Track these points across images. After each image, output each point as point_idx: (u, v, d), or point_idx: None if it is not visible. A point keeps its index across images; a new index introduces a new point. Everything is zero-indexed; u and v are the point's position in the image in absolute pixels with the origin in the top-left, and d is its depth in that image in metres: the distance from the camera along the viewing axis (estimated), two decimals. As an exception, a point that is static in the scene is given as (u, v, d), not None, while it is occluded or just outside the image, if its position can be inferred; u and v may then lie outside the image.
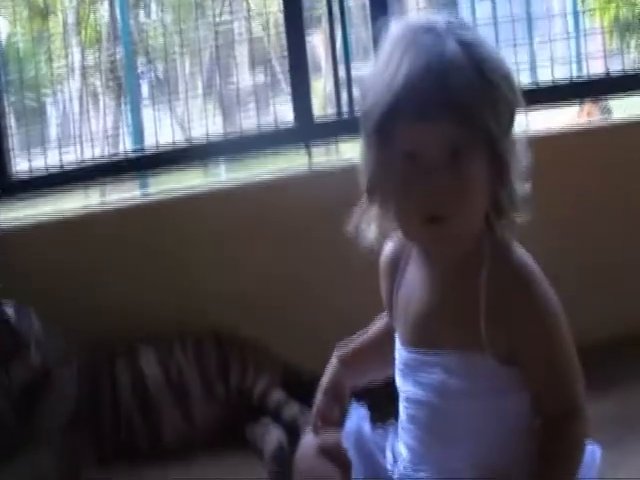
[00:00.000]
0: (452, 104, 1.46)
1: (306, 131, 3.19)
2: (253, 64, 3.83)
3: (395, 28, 1.57)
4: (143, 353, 2.93)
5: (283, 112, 3.41)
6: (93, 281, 3.13)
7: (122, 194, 3.58)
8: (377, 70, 1.55)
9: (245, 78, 3.84)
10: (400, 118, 1.49)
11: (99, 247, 3.14)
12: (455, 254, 1.60)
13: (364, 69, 1.63)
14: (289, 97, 3.24)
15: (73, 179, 3.33)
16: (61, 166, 3.37)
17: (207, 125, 3.48)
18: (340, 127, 3.16)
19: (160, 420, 2.83)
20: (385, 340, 1.79)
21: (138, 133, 3.93)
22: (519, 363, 1.56)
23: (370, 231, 1.65)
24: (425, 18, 1.58)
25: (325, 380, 1.84)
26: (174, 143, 3.43)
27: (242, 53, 3.83)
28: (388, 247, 1.74)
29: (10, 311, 2.76)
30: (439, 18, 1.55)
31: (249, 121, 3.44)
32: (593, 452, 1.65)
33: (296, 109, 3.20)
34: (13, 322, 2.71)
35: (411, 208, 1.53)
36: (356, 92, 3.19)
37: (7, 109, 3.36)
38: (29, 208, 3.43)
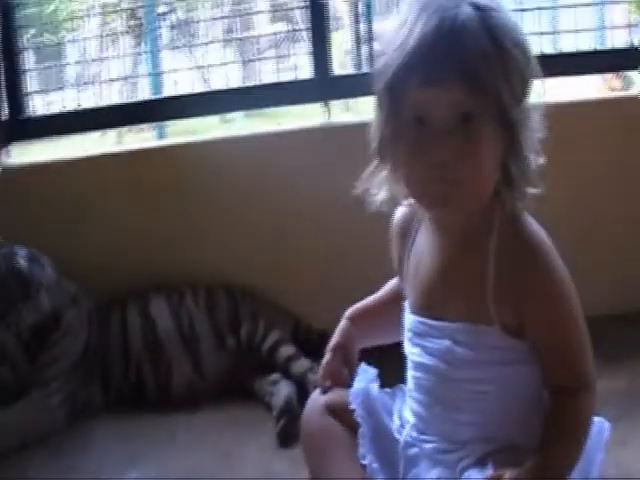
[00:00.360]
0: (463, 69, 1.46)
1: (325, 85, 3.18)
2: (274, 15, 3.82)
3: None
4: (154, 300, 2.95)
5: (302, 63, 3.37)
6: (106, 225, 3.14)
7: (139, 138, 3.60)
8: (393, 29, 1.55)
9: (265, 28, 3.83)
10: (411, 80, 1.49)
11: (113, 190, 3.15)
12: (463, 222, 1.61)
13: (383, 25, 1.63)
14: (309, 49, 3.21)
15: (90, 121, 3.32)
16: (78, 107, 3.35)
17: (226, 74, 3.47)
18: (359, 83, 3.12)
19: (170, 368, 2.85)
20: (395, 302, 1.80)
21: (156, 77, 3.93)
22: (528, 336, 1.57)
23: (380, 194, 1.66)
24: None
25: (334, 339, 1.86)
26: (193, 90, 3.42)
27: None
28: (399, 212, 1.76)
29: (22, 257, 2.78)
30: None
31: (268, 72, 3.42)
32: (601, 427, 1.67)
33: (316, 63, 3.17)
34: (24, 269, 2.74)
35: (419, 172, 1.53)
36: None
37: (24, 46, 3.31)
38: (45, 148, 3.45)
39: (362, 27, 3.34)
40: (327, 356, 1.84)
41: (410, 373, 1.72)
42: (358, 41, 3.31)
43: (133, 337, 2.88)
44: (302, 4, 3.22)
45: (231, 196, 3.09)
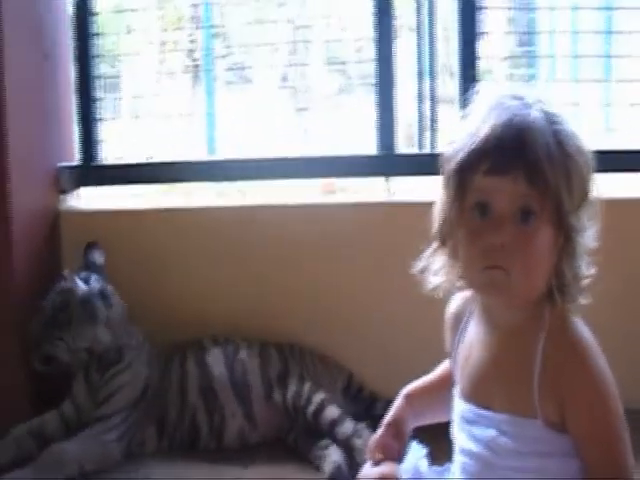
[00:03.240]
0: (529, 161, 1.53)
1: (387, 162, 3.30)
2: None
3: (486, 92, 1.65)
4: (211, 351, 3.06)
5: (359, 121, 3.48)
6: (171, 274, 3.29)
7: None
8: (464, 123, 1.62)
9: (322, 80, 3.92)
10: (478, 168, 1.56)
11: (184, 243, 3.28)
12: (514, 316, 1.66)
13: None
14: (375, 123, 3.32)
15: (159, 174, 3.47)
16: (148, 160, 3.55)
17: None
18: (420, 163, 3.21)
19: (223, 416, 2.95)
20: (447, 384, 1.85)
21: (212, 118, 4.03)
22: (570, 431, 1.61)
23: (436, 277, 1.71)
24: (517, 89, 1.66)
25: (389, 415, 1.92)
26: (255, 155, 3.54)
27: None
28: (454, 302, 1.82)
29: (93, 289, 2.92)
30: (530, 92, 1.63)
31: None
32: None
33: (380, 139, 3.29)
34: (79, 293, 2.88)
35: (475, 256, 1.58)
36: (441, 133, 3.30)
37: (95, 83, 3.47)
38: (114, 195, 3.57)
39: (427, 106, 3.43)
40: (380, 430, 1.90)
41: (456, 457, 1.77)
42: (421, 122, 3.40)
43: (190, 385, 2.99)
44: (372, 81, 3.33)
45: (295, 259, 3.22)
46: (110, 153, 3.50)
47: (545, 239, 1.57)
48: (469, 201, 1.59)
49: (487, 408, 1.69)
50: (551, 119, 1.58)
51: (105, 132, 3.48)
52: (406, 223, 2.93)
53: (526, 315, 1.65)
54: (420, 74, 3.52)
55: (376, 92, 3.30)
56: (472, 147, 1.57)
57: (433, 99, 3.42)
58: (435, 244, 1.70)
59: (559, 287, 1.62)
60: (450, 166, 1.61)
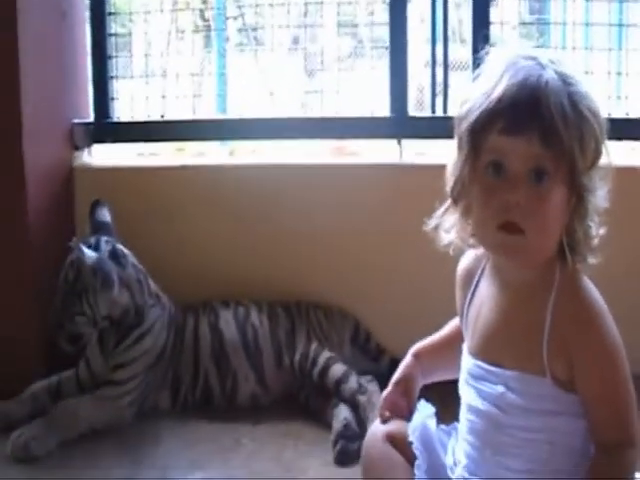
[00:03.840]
0: (543, 122, 1.55)
1: (400, 125, 3.30)
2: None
3: (499, 53, 1.66)
4: (223, 315, 3.08)
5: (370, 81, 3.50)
6: (178, 234, 3.30)
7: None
8: (478, 82, 1.64)
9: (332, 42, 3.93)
10: (492, 127, 1.58)
11: (195, 199, 3.30)
12: (525, 274, 1.68)
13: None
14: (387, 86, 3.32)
15: (167, 131, 3.48)
16: (161, 118, 3.53)
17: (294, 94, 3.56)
18: (432, 126, 3.24)
19: (235, 380, 2.99)
20: (457, 341, 1.87)
21: (223, 78, 4.04)
22: (578, 390, 1.64)
23: (449, 235, 1.74)
24: (530, 49, 1.66)
25: (397, 373, 1.94)
26: (266, 115, 3.58)
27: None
28: (464, 260, 1.84)
29: (104, 251, 2.90)
30: (543, 53, 1.64)
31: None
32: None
33: (392, 102, 3.29)
34: (89, 261, 2.82)
35: (489, 214, 1.60)
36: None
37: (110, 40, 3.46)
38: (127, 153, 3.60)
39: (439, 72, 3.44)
40: (389, 388, 1.93)
41: (464, 415, 1.79)
42: (434, 86, 3.42)
43: (204, 349, 3.01)
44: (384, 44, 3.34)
45: (307, 217, 3.23)
46: (123, 111, 3.50)
47: (558, 198, 1.60)
48: (483, 160, 1.61)
49: (496, 365, 1.71)
50: (566, 80, 1.60)
51: (119, 90, 3.48)
52: (417, 185, 3.00)
53: (537, 274, 1.68)
54: (433, 39, 3.53)
55: (389, 55, 3.30)
56: (486, 107, 1.58)
57: (445, 64, 3.43)
58: (447, 203, 1.72)
59: (571, 246, 1.65)
60: (464, 126, 1.63)
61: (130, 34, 3.86)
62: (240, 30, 4.72)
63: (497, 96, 1.57)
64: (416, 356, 1.97)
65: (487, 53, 1.68)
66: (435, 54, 3.45)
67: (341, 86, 3.41)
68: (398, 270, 3.23)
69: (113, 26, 3.48)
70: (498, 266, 1.74)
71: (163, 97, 3.71)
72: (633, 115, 3.20)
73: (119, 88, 3.49)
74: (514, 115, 1.56)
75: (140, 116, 3.49)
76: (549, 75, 1.58)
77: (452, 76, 3.42)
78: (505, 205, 1.58)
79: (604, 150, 1.63)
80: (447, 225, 1.74)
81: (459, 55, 3.72)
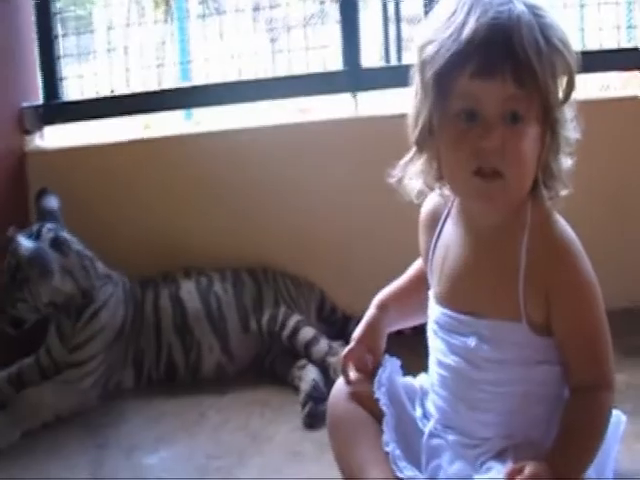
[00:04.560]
0: (519, 61, 1.47)
1: (354, 78, 3.22)
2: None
3: None
4: (184, 285, 3.01)
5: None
6: (137, 208, 3.23)
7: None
8: (439, 21, 1.54)
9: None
10: (463, 71, 1.50)
11: (147, 174, 3.23)
12: (496, 216, 1.63)
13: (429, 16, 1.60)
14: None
15: (122, 107, 3.38)
16: (111, 94, 3.45)
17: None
18: (388, 75, 3.18)
19: (199, 351, 2.92)
20: (421, 283, 1.83)
21: (185, 48, 3.97)
22: (554, 333, 1.60)
23: (414, 184, 1.67)
24: None
25: (359, 329, 1.89)
26: (223, 79, 3.46)
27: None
28: (428, 202, 1.77)
29: (45, 241, 2.84)
30: None
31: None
32: (618, 419, 1.71)
33: (345, 55, 3.22)
34: (26, 253, 2.76)
35: (463, 160, 1.54)
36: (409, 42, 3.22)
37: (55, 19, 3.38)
38: (76, 131, 3.50)
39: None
40: (351, 344, 1.88)
41: (434, 369, 1.75)
42: (387, 34, 3.34)
43: (165, 322, 2.94)
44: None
45: (261, 182, 3.15)
46: (86, 90, 3.43)
47: (533, 136, 1.54)
48: (453, 106, 1.54)
49: (467, 313, 1.66)
50: (535, 12, 1.52)
51: (79, 69, 3.42)
52: (375, 137, 2.93)
53: (508, 215, 1.62)
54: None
55: (340, 7, 3.22)
56: (456, 49, 1.50)
57: (398, 17, 3.36)
58: (412, 151, 1.65)
59: (545, 182, 1.60)
60: (429, 70, 1.54)
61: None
62: (200, 2, 4.64)
63: (467, 37, 1.48)
64: (380, 307, 1.91)
65: None
66: (387, 5, 3.36)
67: (305, 47, 3.35)
68: (360, 228, 3.15)
69: (58, 5, 3.39)
70: (467, 209, 1.67)
71: (127, 70, 3.67)
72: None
73: (80, 66, 3.43)
74: (487, 57, 1.48)
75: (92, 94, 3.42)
76: (519, 9, 1.50)
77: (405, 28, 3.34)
78: (480, 151, 1.51)
79: (576, 82, 1.56)
80: (411, 174, 1.67)
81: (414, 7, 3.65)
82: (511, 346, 1.62)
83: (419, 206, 1.77)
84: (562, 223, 1.62)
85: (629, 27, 3.28)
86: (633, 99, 3.06)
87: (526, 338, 1.61)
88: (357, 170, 3.06)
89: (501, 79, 1.48)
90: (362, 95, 3.24)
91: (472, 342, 1.64)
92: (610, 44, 3.10)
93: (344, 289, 3.14)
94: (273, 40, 4.22)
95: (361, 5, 3.27)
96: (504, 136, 1.51)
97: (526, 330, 1.60)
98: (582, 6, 3.30)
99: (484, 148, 1.51)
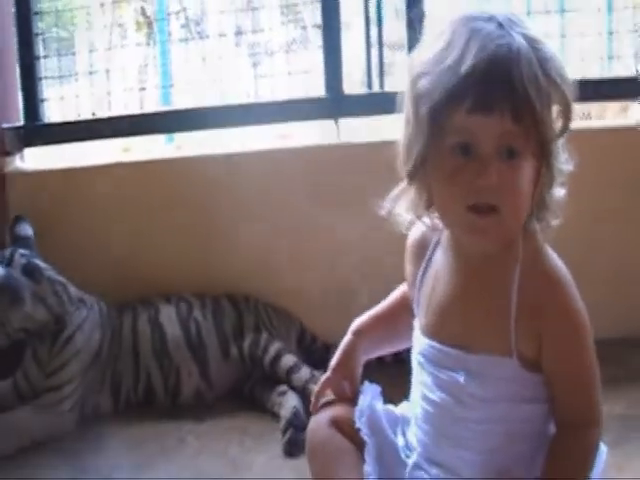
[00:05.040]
0: (518, 97, 1.45)
1: (336, 104, 3.23)
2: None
3: (451, 15, 1.54)
4: (164, 310, 3.00)
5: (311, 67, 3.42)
6: (116, 233, 3.21)
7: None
8: (433, 52, 1.51)
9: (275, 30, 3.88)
10: (460, 106, 1.47)
11: (125, 198, 3.22)
12: (490, 249, 1.59)
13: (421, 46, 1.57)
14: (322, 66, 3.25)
15: (103, 130, 3.35)
16: (92, 117, 3.45)
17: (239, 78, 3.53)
18: (370, 102, 3.20)
19: (178, 376, 2.90)
20: (402, 311, 1.80)
21: (167, 72, 3.97)
22: (544, 368, 1.58)
23: (404, 215, 1.64)
24: (481, 9, 1.54)
25: (336, 357, 1.86)
26: (204, 103, 3.47)
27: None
28: (416, 231, 1.73)
29: (16, 268, 2.82)
30: (495, 10, 1.52)
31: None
32: (599, 451, 1.65)
33: (327, 82, 3.23)
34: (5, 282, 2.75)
35: (457, 195, 1.51)
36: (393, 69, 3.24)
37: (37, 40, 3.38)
38: (55, 154, 3.50)
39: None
40: (328, 373, 1.85)
41: (418, 402, 1.72)
42: (369, 62, 3.35)
43: (143, 345, 2.93)
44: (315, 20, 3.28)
45: (244, 208, 3.15)
46: (68, 112, 3.46)
47: (529, 172, 1.52)
48: (448, 141, 1.51)
49: (455, 346, 1.63)
50: (534, 45, 1.49)
51: (61, 91, 3.43)
52: (356, 164, 2.93)
53: (499, 248, 1.59)
54: (367, 18, 3.48)
55: (323, 34, 3.23)
56: (453, 83, 1.46)
57: (380, 41, 3.38)
58: (403, 183, 1.62)
59: (538, 214, 1.58)
60: (424, 104, 1.51)
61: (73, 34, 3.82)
62: (183, 26, 4.67)
63: (466, 71, 1.45)
64: (357, 333, 1.87)
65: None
66: (369, 31, 3.38)
67: (285, 71, 3.36)
68: (344, 253, 3.15)
69: (40, 25, 3.39)
70: (458, 240, 1.64)
71: (108, 93, 3.66)
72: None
73: (61, 89, 3.44)
74: (486, 92, 1.45)
75: (73, 116, 3.41)
76: (518, 42, 1.47)
77: (387, 53, 3.35)
78: (476, 187, 1.49)
79: (572, 116, 1.54)
80: (402, 205, 1.64)
81: (395, 35, 3.66)
82: (499, 382, 1.60)
83: (402, 234, 1.73)
84: (553, 256, 1.61)
85: (610, 57, 3.29)
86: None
87: (516, 374, 1.59)
88: (339, 196, 3.06)
89: (499, 115, 1.46)
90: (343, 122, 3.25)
91: (461, 377, 1.62)
92: (592, 74, 3.12)
93: (323, 318, 3.14)
94: (255, 65, 4.24)
95: (343, 30, 3.26)
96: (500, 171, 1.49)
97: (516, 366, 1.58)
98: (563, 36, 3.31)
99: (480, 185, 1.49)
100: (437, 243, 1.71)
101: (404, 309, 1.81)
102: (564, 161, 1.57)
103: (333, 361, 1.86)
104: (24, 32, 3.33)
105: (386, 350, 1.93)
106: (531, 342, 1.57)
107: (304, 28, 4.28)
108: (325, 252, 3.17)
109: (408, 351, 1.78)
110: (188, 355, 2.92)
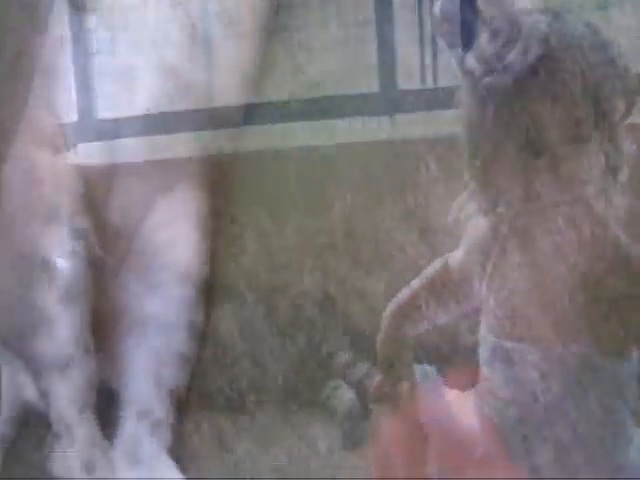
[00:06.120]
0: (587, 81, 1.47)
1: (390, 100, 3.20)
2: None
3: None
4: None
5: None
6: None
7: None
8: (495, 48, 1.53)
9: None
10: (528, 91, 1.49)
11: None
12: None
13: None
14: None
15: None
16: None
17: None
18: (424, 98, 3.13)
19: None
20: (443, 286, 1.79)
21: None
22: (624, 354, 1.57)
23: (470, 212, 1.66)
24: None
25: (382, 350, 1.85)
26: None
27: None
28: (481, 222, 1.71)
29: None
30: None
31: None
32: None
33: (381, 78, 3.21)
34: None
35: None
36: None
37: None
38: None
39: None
40: (378, 377, 1.87)
41: (489, 400, 1.69)
42: (422, 55, 3.33)
43: None
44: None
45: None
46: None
47: (597, 158, 1.53)
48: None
49: (530, 343, 1.61)
50: (594, 29, 1.52)
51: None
52: (411, 160, 2.92)
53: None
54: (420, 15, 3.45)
55: (375, 29, 3.22)
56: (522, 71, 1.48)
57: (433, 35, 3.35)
58: (471, 186, 1.63)
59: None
60: (491, 102, 1.52)
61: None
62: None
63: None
64: (395, 312, 1.85)
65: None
66: (423, 24, 3.35)
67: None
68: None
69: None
70: (527, 230, 1.63)
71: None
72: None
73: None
74: (555, 78, 1.47)
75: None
76: (581, 28, 1.52)
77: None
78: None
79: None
80: (469, 209, 1.66)
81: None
82: (578, 375, 1.58)
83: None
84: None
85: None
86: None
87: (593, 365, 1.57)
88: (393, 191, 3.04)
89: (565, 99, 1.47)
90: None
91: (535, 374, 1.60)
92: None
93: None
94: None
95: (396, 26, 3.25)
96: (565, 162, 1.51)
97: (594, 356, 1.57)
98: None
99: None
100: (506, 237, 1.68)
101: (444, 282, 1.79)
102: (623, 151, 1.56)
103: (380, 359, 1.86)
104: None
105: (432, 325, 1.87)
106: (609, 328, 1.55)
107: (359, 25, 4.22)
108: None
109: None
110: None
